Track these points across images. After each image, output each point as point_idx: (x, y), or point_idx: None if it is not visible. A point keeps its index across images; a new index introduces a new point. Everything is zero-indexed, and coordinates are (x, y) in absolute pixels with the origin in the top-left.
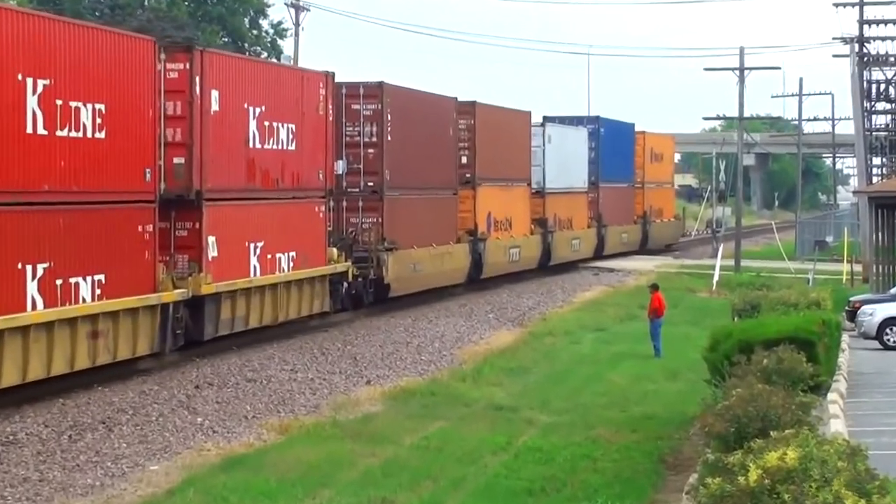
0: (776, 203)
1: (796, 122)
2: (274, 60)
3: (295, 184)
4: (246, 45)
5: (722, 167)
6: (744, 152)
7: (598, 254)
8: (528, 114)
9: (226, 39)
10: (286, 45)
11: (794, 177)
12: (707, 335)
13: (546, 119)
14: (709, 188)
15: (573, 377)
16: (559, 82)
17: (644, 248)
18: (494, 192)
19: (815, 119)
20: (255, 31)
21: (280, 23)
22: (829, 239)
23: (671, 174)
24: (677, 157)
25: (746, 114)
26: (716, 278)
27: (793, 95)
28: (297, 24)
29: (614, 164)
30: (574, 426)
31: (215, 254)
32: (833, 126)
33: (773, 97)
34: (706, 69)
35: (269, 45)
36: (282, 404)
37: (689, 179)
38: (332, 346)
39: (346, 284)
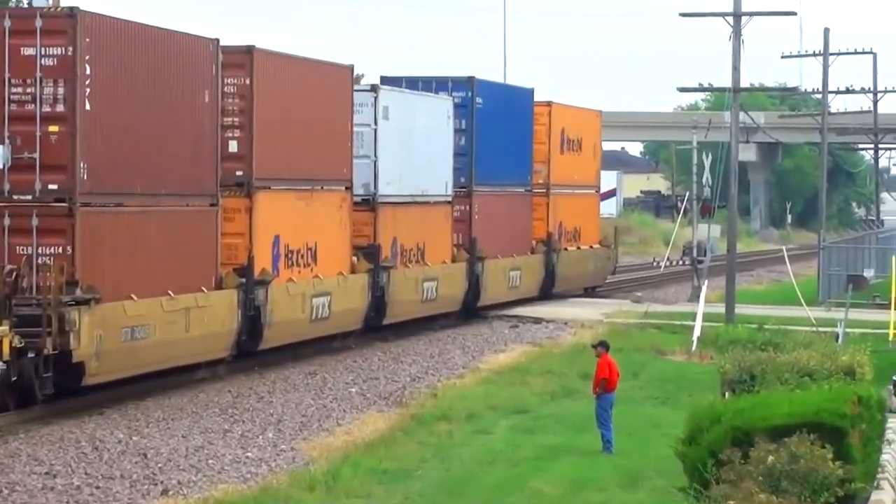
0: (789, 218)
1: (818, 96)
2: None
3: None
4: None
5: (707, 164)
6: (740, 141)
7: (471, 304)
8: (349, 70)
9: None
10: None
11: (815, 178)
12: (684, 419)
13: (384, 80)
14: (686, 196)
15: (479, 485)
16: (469, 42)
17: (549, 293)
18: (287, 202)
19: (848, 91)
20: None
21: None
22: (869, 273)
23: (596, 172)
24: (639, 148)
25: (744, 83)
26: (696, 333)
27: (814, 55)
28: None
29: (499, 157)
30: None
31: None
32: (875, 102)
33: (783, 58)
34: (683, 14)
35: None
36: None
37: (658, 182)
38: (110, 437)
39: (1, 365)
